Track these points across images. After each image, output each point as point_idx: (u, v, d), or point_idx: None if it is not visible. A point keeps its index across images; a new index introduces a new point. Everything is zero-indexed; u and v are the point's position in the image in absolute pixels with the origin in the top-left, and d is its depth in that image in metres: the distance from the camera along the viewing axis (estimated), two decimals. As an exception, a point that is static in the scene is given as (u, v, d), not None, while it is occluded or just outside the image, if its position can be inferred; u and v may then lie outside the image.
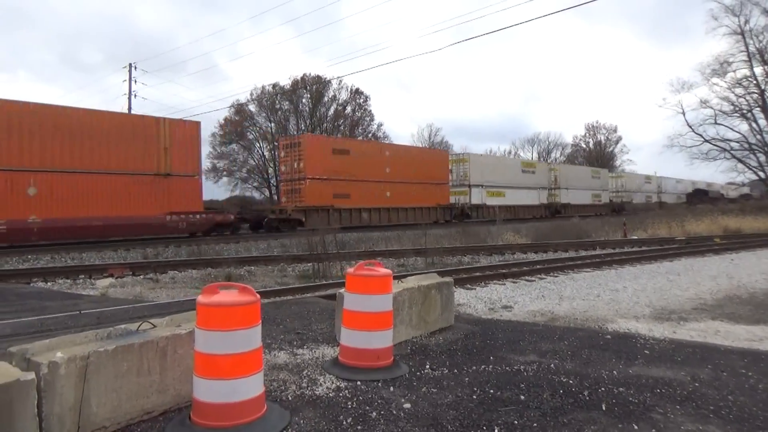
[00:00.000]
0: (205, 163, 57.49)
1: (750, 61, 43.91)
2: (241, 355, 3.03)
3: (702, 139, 46.81)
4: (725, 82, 45.34)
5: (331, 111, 59.02)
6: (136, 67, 40.22)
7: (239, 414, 3.01)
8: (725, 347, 5.27)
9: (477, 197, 38.43)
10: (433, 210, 34.87)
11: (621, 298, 8.75)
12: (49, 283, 11.67)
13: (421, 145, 64.64)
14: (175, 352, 3.35)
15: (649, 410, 3.47)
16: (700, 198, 68.78)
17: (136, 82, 40.25)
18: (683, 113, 49.93)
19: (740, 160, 46.61)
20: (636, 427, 3.20)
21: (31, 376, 2.58)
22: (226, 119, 55.46)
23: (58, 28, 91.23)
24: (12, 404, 2.44)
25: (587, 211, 47.03)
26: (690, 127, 47.29)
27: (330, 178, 28.47)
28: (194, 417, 3.06)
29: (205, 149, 56.62)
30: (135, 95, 40.61)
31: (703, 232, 24.22)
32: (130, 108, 39.11)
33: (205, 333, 3.02)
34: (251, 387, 3.09)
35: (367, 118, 61.39)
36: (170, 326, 3.56)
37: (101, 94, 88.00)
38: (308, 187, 27.57)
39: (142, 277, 12.60)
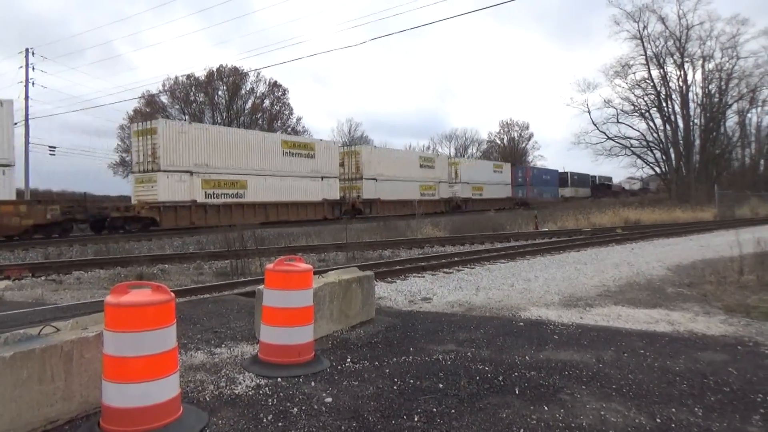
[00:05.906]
0: (114, 157, 54.63)
1: (648, 64, 47.48)
2: (155, 356, 2.91)
3: (605, 137, 50.08)
4: (626, 83, 48.83)
5: (249, 104, 57.69)
6: (33, 53, 37.46)
7: (153, 418, 2.89)
8: (626, 330, 5.66)
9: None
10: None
11: (533, 288, 9.16)
12: (-66, 288, 10.63)
13: (341, 140, 64.43)
14: (82, 357, 3.17)
15: (558, 392, 3.67)
16: (604, 192, 73.48)
17: (33, 69, 37.44)
18: (589, 112, 53.34)
19: (639, 156, 50.27)
20: (546, 408, 3.38)
21: None
22: (135, 110, 52.87)
23: None
24: None
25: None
26: (595, 125, 50.54)
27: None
28: (104, 424, 2.91)
29: (114, 142, 53.66)
30: (33, 83, 37.87)
31: (607, 223, 25.82)
32: (27, 97, 36.40)
33: (115, 335, 2.87)
34: (166, 389, 2.98)
35: (286, 112, 60.55)
36: (75, 329, 3.36)
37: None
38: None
39: (43, 278, 11.75)
